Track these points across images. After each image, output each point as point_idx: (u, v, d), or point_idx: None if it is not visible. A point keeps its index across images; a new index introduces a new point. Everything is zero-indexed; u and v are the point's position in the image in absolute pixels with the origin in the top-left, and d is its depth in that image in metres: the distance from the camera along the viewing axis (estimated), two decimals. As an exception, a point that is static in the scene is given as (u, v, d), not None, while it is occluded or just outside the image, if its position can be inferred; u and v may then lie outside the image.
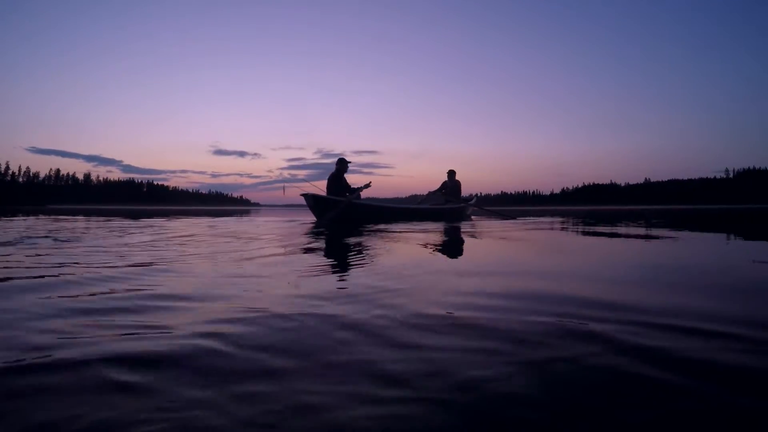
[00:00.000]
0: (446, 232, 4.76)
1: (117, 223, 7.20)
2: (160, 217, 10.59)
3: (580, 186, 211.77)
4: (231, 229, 5.36)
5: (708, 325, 1.06)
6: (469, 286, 1.59)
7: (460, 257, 2.61)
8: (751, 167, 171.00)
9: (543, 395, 0.70)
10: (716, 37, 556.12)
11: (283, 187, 8.58)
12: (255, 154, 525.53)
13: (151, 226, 5.82)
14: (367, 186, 8.48)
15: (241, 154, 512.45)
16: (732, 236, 4.10)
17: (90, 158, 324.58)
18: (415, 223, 6.94)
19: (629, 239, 3.80)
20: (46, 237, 3.73)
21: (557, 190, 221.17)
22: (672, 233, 4.36)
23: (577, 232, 4.92)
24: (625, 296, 1.39)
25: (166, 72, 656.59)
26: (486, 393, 0.71)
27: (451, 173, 10.38)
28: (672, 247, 3.10)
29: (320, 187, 8.29)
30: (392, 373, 0.79)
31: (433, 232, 4.58)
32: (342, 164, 8.42)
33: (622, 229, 5.20)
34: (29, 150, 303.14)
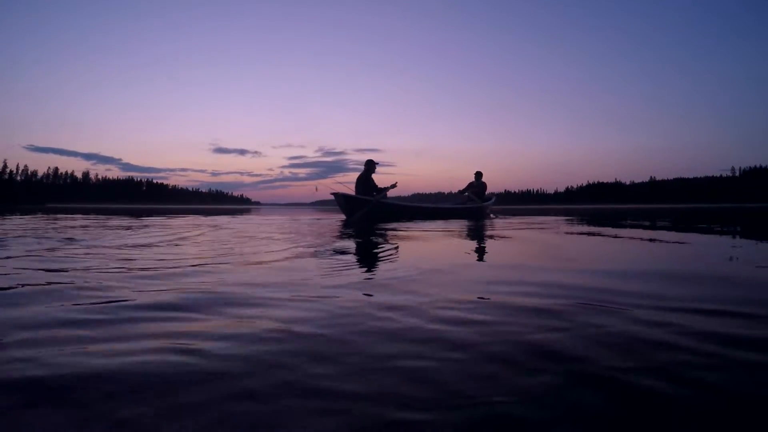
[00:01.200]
0: (468, 230, 5.03)
1: (120, 221, 7.17)
2: (161, 216, 10.57)
3: (584, 185, 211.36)
4: (243, 227, 5.35)
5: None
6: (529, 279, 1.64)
7: (485, 254, 2.67)
8: (758, 165, 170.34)
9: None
10: (723, 35, 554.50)
11: (316, 187, 9.06)
12: (255, 152, 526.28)
13: (159, 225, 5.79)
14: (393, 186, 8.81)
15: (242, 152, 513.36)
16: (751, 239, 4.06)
17: (89, 156, 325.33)
18: (438, 221, 7.16)
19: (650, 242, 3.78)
20: (69, 238, 3.62)
21: (561, 189, 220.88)
22: (683, 237, 4.35)
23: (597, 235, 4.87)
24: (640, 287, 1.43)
25: (165, 69, 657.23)
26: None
27: (478, 174, 10.97)
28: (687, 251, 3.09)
29: (350, 187, 8.82)
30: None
31: (456, 230, 4.80)
32: (370, 165, 8.94)
33: (633, 232, 5.16)
34: (27, 148, 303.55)
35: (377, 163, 9.02)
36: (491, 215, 10.54)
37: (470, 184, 10.98)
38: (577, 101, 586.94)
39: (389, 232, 4.37)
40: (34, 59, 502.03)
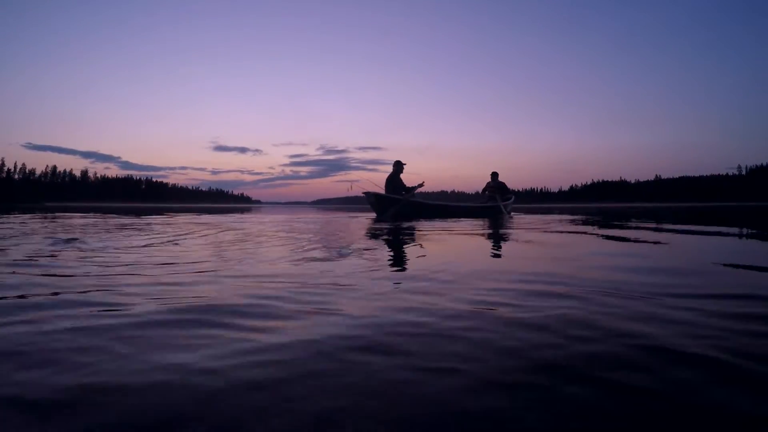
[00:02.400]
0: (489, 226, 5.49)
1: (134, 220, 7.13)
2: (162, 215, 10.52)
3: (589, 183, 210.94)
4: (256, 227, 5.29)
5: None
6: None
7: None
8: (765, 164, 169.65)
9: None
10: (729, 32, 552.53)
11: (350, 185, 9.60)
12: (256, 150, 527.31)
13: (173, 224, 5.74)
14: (421, 185, 9.43)
15: (242, 150, 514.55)
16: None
17: (87, 154, 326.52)
18: (462, 219, 7.82)
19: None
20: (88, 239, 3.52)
21: (566, 187, 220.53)
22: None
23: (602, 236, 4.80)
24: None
25: (165, 66, 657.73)
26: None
27: (494, 175, 11.53)
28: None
29: (381, 186, 9.51)
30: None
31: (480, 228, 5.22)
32: (398, 166, 9.57)
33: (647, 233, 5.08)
34: (25, 146, 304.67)
35: (405, 164, 9.61)
36: (510, 213, 11.00)
37: (488, 185, 11.53)
38: (583, 99, 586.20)
39: (433, 233, 4.35)
40: (32, 56, 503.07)
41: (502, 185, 11.47)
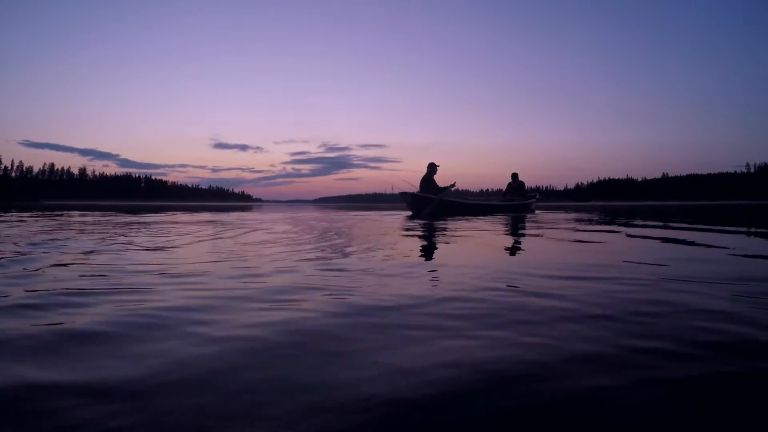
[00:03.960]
0: (516, 222, 6.09)
1: (127, 219, 7.10)
2: (164, 213, 10.51)
3: (594, 181, 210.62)
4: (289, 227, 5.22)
5: None
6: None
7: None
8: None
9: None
10: (737, 28, 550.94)
11: (392, 186, 10.63)
12: (257, 147, 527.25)
13: (194, 223, 5.69)
14: (453, 185, 10.42)
15: (243, 147, 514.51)
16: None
17: (85, 152, 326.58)
18: (491, 216, 8.58)
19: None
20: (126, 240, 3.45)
21: (571, 186, 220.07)
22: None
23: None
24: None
25: (164, 63, 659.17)
26: None
27: (515, 175, 12.42)
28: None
29: (416, 187, 10.42)
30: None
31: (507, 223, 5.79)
32: (432, 168, 10.42)
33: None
34: (22, 143, 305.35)
35: (438, 166, 10.45)
36: (535, 211, 12.00)
37: (509, 185, 12.43)
38: (588, 96, 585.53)
39: (475, 232, 4.41)
40: (30, 52, 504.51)
41: (522, 185, 12.37)
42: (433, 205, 9.56)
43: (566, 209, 17.57)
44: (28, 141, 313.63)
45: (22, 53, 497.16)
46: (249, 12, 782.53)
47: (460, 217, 7.79)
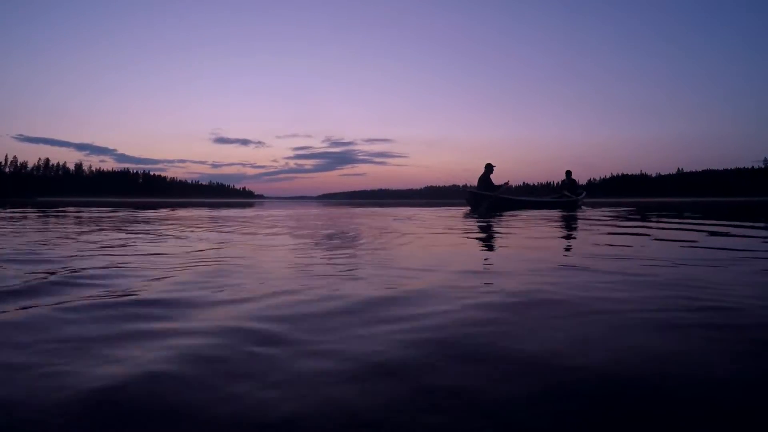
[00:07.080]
0: (564, 219, 6.48)
1: (132, 215, 6.99)
2: (164, 209, 10.45)
3: (607, 176, 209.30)
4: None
5: None
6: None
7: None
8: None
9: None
10: (755, 21, 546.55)
11: (461, 186, 11.21)
12: (259, 142, 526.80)
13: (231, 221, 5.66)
14: (506, 184, 11.76)
15: (244, 142, 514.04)
16: None
17: (81, 147, 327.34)
18: (543, 211, 9.21)
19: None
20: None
21: (584, 181, 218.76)
22: None
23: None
24: None
25: (163, 55, 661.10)
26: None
27: (568, 173, 13.72)
28: None
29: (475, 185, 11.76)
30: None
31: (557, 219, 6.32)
32: (489, 168, 11.63)
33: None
34: (16, 138, 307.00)
35: (495, 166, 11.58)
36: (583, 207, 12.81)
37: (563, 183, 13.78)
38: (602, 89, 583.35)
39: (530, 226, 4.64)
40: (25, 45, 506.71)
41: (574, 182, 13.73)
42: (489, 201, 10.70)
43: (592, 206, 17.48)
44: (22, 135, 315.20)
45: (16, 45, 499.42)
46: (250, 3, 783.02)
47: (520, 213, 8.09)
